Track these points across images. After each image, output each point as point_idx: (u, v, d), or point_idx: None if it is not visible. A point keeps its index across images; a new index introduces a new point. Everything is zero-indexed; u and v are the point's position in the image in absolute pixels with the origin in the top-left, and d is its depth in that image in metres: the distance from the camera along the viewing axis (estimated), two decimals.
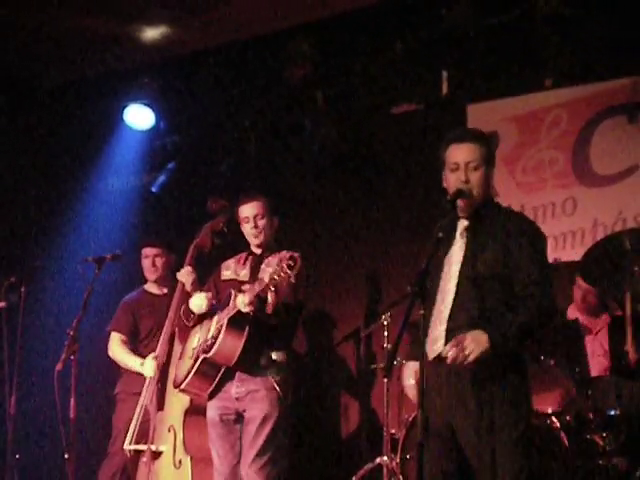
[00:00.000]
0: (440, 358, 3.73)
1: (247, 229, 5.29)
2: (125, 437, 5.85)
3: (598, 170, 6.46)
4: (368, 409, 6.72)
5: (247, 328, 4.94)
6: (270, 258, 5.13)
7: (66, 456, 5.10)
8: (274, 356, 5.02)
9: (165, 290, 6.38)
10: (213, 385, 5.07)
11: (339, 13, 6.78)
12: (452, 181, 3.91)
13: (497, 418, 3.65)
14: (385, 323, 6.01)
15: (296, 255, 4.73)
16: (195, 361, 5.10)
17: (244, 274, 5.26)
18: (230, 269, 5.36)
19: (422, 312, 3.59)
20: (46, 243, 7.54)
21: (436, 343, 3.79)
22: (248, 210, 5.28)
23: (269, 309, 4.80)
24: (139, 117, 7.38)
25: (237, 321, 4.94)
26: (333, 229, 7.19)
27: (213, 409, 5.13)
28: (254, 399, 5.00)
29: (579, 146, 6.54)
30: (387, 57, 6.65)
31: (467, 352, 3.56)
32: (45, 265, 6.54)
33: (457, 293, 3.81)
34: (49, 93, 7.89)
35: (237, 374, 5.03)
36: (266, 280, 4.67)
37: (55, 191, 7.87)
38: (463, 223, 3.98)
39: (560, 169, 6.59)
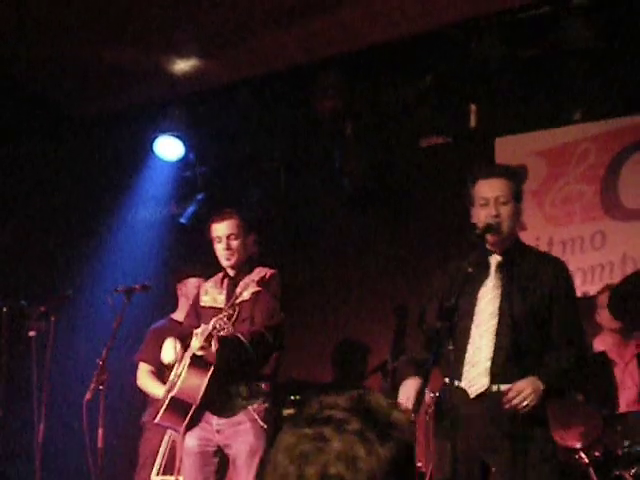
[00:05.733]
0: (481, 396, 3.81)
1: (219, 249, 5.04)
2: (151, 466, 5.85)
3: (627, 204, 6.46)
4: None
5: (211, 366, 4.75)
6: (245, 279, 4.88)
7: None
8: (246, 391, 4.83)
9: None
10: (186, 421, 4.80)
11: (368, 46, 6.79)
12: (482, 216, 3.93)
13: (532, 454, 3.77)
14: None
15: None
16: (165, 398, 4.90)
17: (221, 300, 5.04)
18: (208, 294, 5.14)
19: (451, 347, 3.61)
20: (75, 273, 7.57)
21: (479, 381, 3.82)
22: (220, 229, 5.04)
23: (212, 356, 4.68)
24: (169, 148, 7.43)
25: (200, 359, 4.79)
26: (361, 261, 7.18)
27: (193, 439, 4.87)
28: (237, 432, 4.78)
29: (608, 180, 6.53)
30: (416, 90, 6.68)
31: (528, 401, 3.75)
32: (74, 295, 6.53)
33: (497, 332, 3.84)
34: (80, 124, 7.94)
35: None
36: (210, 329, 4.63)
37: (85, 221, 7.91)
38: (496, 258, 3.99)
39: (589, 202, 6.57)
